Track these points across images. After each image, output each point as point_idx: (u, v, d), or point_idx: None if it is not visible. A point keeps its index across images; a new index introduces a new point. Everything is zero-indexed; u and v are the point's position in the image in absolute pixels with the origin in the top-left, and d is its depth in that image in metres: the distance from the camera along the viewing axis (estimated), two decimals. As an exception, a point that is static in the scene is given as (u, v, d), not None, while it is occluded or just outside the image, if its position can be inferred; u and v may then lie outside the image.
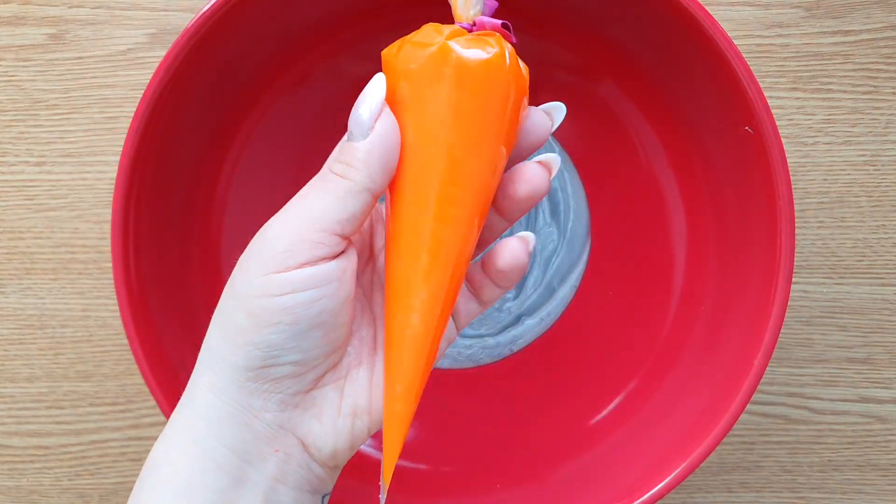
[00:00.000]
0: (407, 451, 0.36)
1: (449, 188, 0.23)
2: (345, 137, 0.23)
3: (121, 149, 0.29)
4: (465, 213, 0.23)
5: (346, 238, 0.23)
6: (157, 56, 0.38)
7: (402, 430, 0.25)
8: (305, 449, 0.24)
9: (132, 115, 0.29)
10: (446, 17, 0.35)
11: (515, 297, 0.39)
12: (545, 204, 0.38)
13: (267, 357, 0.23)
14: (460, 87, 0.23)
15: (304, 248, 0.22)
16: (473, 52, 0.23)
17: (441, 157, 0.23)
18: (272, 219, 0.23)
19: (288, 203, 0.24)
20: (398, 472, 0.35)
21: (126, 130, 0.29)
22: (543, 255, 0.38)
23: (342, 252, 0.23)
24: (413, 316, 0.24)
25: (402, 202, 0.24)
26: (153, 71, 0.29)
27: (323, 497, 0.26)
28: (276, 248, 0.22)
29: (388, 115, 0.23)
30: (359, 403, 0.25)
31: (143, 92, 0.29)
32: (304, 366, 0.23)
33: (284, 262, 0.22)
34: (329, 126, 0.38)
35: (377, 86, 0.23)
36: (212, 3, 0.29)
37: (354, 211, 0.23)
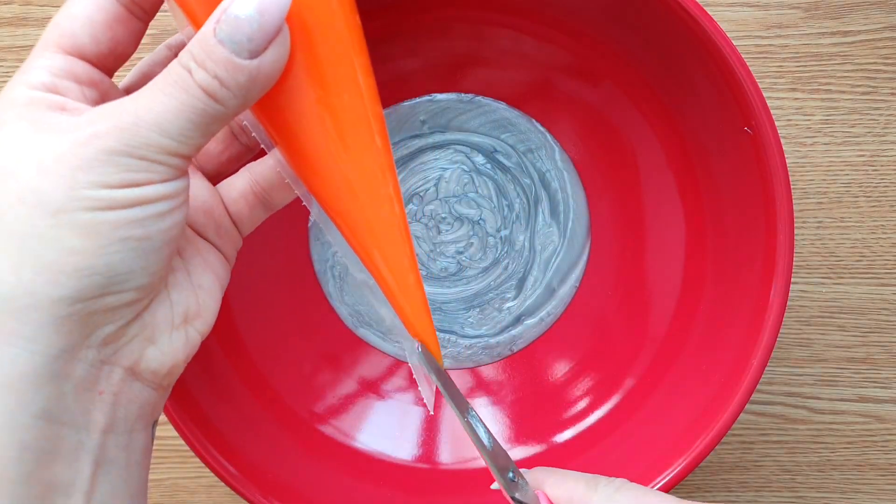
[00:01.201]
0: (407, 451, 0.36)
1: (364, 61, 0.21)
2: (208, 30, 0.19)
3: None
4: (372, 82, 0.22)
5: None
6: (158, 57, 0.38)
7: (423, 299, 0.23)
8: (136, 377, 0.21)
9: (133, 115, 0.29)
10: (447, 16, 0.36)
11: (515, 298, 0.39)
12: (545, 204, 0.38)
13: (108, 284, 0.19)
14: None
15: (156, 165, 0.19)
16: None
17: (350, 38, 0.21)
18: (106, 110, 0.19)
19: (133, 96, 0.19)
20: (398, 472, 0.35)
21: (127, 131, 0.29)
22: (543, 256, 0.38)
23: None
24: (394, 206, 0.22)
25: (312, 101, 0.20)
26: (154, 72, 0.29)
27: (153, 425, 0.23)
28: (116, 158, 0.18)
29: (286, 36, 0.19)
30: (189, 307, 0.22)
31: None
32: (148, 290, 0.20)
33: (128, 173, 0.19)
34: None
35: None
36: (213, 4, 0.29)
37: (210, 137, 0.20)
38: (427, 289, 0.39)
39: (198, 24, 0.20)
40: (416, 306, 0.24)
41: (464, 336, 0.39)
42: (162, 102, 0.19)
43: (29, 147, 0.19)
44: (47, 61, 0.20)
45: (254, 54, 0.18)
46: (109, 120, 0.19)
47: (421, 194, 0.38)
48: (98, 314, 0.19)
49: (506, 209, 0.38)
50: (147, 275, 0.20)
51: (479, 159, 0.38)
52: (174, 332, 0.22)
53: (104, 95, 0.22)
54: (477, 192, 0.38)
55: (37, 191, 0.18)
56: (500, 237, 0.39)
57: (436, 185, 0.39)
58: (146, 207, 0.19)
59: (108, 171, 0.18)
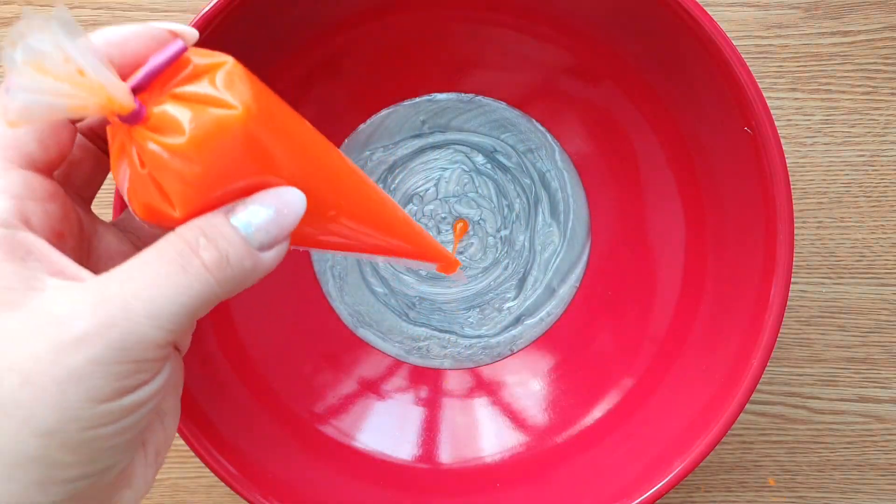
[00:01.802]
0: (407, 451, 0.36)
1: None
2: (219, 214, 0.18)
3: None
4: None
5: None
6: (158, 57, 0.38)
7: (436, 248, 0.25)
8: None
9: (133, 115, 0.29)
10: (447, 17, 0.36)
11: (515, 298, 0.39)
12: (545, 204, 0.38)
13: (98, 477, 0.17)
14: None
15: (148, 363, 0.17)
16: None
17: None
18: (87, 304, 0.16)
19: (119, 275, 0.17)
20: (398, 472, 0.35)
21: (127, 131, 0.29)
22: (544, 256, 0.38)
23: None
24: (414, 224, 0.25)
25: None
26: (154, 72, 0.29)
27: None
28: (108, 367, 0.16)
29: (289, 240, 0.19)
30: (159, 442, 0.21)
31: (144, 92, 0.29)
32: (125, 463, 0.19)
33: (121, 381, 0.16)
34: (332, 125, 0.38)
35: (297, 199, 0.18)
36: (213, 3, 0.29)
37: (197, 317, 0.18)
38: (426, 289, 0.39)
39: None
40: (436, 254, 0.26)
41: (464, 336, 0.39)
42: (157, 285, 0.17)
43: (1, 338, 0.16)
44: (1, 179, 0.17)
45: (262, 248, 0.18)
46: (95, 313, 0.16)
47: (421, 194, 0.38)
48: (85, 498, 0.18)
49: (506, 209, 0.38)
50: (127, 458, 0.19)
51: (480, 159, 0.38)
52: (148, 469, 0.20)
53: (65, 213, 0.19)
54: (477, 191, 0.38)
55: (22, 406, 0.16)
56: (500, 237, 0.39)
57: (436, 184, 0.39)
58: (141, 410, 0.17)
59: (99, 384, 0.16)
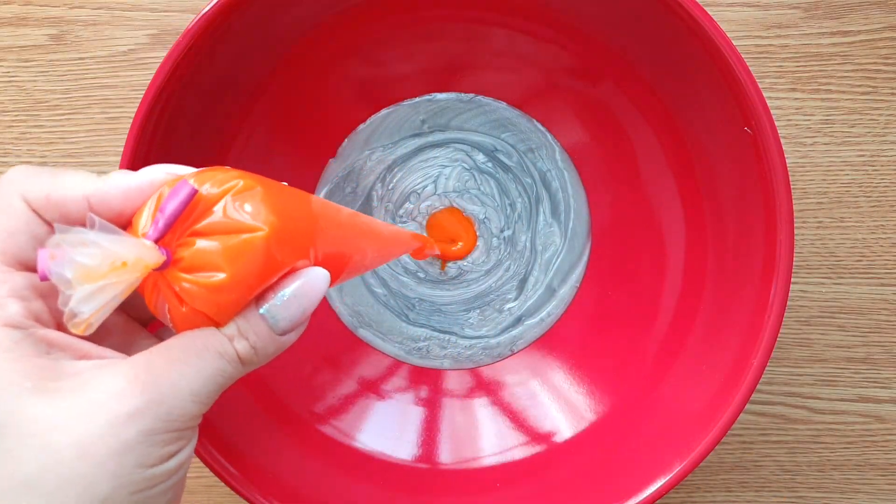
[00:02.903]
0: (407, 451, 0.36)
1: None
2: (253, 308, 0.20)
3: (122, 149, 0.29)
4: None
5: None
6: (158, 57, 0.38)
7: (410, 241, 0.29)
8: None
9: (133, 115, 0.29)
10: (447, 16, 0.36)
11: (516, 298, 0.39)
12: (546, 204, 0.38)
13: None
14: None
15: (187, 431, 0.19)
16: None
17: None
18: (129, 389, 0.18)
19: (161, 353, 0.19)
20: (398, 472, 0.35)
21: (127, 131, 0.29)
22: (545, 257, 0.38)
23: None
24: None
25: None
26: (154, 72, 0.29)
27: None
28: (156, 437, 0.18)
29: (307, 322, 0.21)
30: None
31: (144, 93, 0.29)
32: None
33: (166, 448, 0.19)
34: (332, 126, 0.38)
35: (321, 282, 0.21)
36: (213, 3, 0.29)
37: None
38: (426, 290, 0.39)
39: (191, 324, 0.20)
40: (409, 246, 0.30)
41: (464, 337, 0.39)
42: (197, 368, 0.19)
43: (52, 421, 0.18)
44: (4, 284, 0.19)
45: (284, 332, 0.21)
46: (145, 392, 0.18)
47: (419, 192, 0.38)
48: None
49: (508, 208, 0.38)
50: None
51: (480, 157, 0.38)
52: None
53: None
54: (479, 189, 0.38)
55: (81, 476, 0.18)
56: (504, 238, 0.38)
57: (434, 181, 0.38)
58: (180, 472, 0.19)
59: (148, 452, 0.18)
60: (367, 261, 0.25)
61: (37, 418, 0.18)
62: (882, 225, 0.38)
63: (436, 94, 0.38)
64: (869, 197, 0.38)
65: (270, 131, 0.36)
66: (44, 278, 0.17)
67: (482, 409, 0.37)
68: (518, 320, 0.39)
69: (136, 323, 0.23)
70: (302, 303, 0.20)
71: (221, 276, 0.18)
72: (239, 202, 0.18)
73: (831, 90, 0.38)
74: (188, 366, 0.19)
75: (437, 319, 0.39)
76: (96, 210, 0.19)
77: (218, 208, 0.18)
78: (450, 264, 0.39)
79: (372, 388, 0.38)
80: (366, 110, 0.38)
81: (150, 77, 0.29)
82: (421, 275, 0.39)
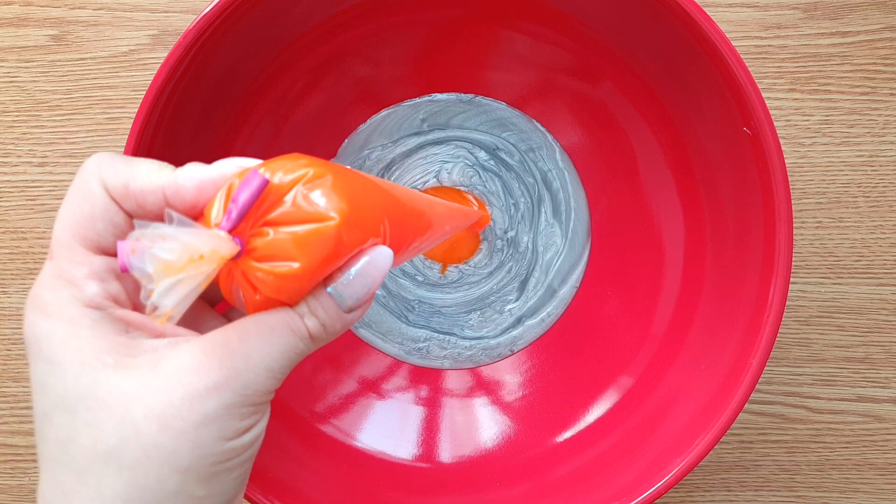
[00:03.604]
0: (407, 451, 0.36)
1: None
2: (322, 287, 0.20)
3: (123, 150, 0.29)
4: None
5: None
6: (158, 57, 0.38)
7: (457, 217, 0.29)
8: None
9: (134, 115, 0.29)
10: (446, 17, 0.36)
11: (517, 299, 0.39)
12: (548, 204, 0.38)
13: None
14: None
15: (262, 406, 0.20)
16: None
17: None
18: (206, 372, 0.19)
19: (242, 332, 0.20)
20: (398, 472, 0.35)
21: (128, 131, 0.29)
22: (546, 257, 0.38)
23: None
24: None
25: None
26: (155, 72, 0.29)
27: None
28: (235, 410, 0.19)
29: (371, 300, 0.22)
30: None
31: (144, 93, 0.29)
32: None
33: (243, 421, 0.19)
34: (332, 126, 0.38)
35: (385, 261, 0.21)
36: (213, 4, 0.29)
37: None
38: (425, 293, 0.39)
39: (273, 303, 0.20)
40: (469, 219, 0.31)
41: (464, 337, 0.39)
42: (271, 344, 0.19)
43: (131, 394, 0.18)
44: (85, 266, 0.20)
45: (351, 310, 0.21)
46: (223, 367, 0.19)
47: (418, 187, 0.38)
48: None
49: (512, 208, 0.38)
50: (245, 484, 0.21)
51: (483, 155, 0.38)
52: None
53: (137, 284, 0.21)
54: (485, 186, 0.38)
55: (162, 448, 0.18)
56: (507, 239, 0.38)
57: (436, 175, 0.38)
58: (255, 445, 0.20)
59: (227, 425, 0.19)
60: (431, 238, 0.26)
61: (117, 392, 0.18)
62: (881, 225, 0.38)
63: (436, 94, 0.38)
64: (868, 197, 0.38)
65: (271, 132, 0.36)
66: (124, 270, 0.17)
67: (482, 408, 0.37)
68: (518, 321, 0.39)
69: (205, 303, 0.23)
70: (366, 282, 0.20)
71: (295, 265, 0.18)
72: (310, 191, 0.19)
73: (830, 90, 0.38)
74: (263, 341, 0.19)
75: (436, 321, 0.39)
76: (170, 201, 0.20)
77: (289, 198, 0.19)
78: (450, 267, 0.39)
79: (372, 387, 0.38)
80: (365, 111, 0.38)
81: (151, 77, 0.29)
82: (419, 277, 0.39)
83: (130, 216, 0.20)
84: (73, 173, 0.38)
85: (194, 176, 0.20)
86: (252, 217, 0.19)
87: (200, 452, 0.19)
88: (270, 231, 0.18)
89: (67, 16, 0.38)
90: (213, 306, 0.24)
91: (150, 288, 0.17)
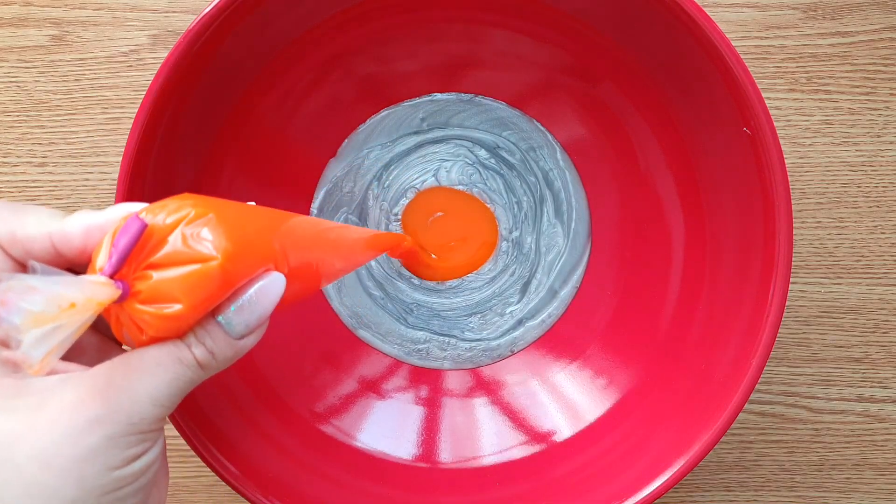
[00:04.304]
0: (407, 451, 0.36)
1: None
2: (212, 315, 0.20)
3: (123, 150, 0.29)
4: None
5: None
6: (159, 57, 0.38)
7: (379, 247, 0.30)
8: None
9: (134, 116, 0.29)
10: (446, 17, 0.36)
11: (518, 302, 0.39)
12: (549, 204, 0.38)
13: None
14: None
15: (151, 433, 0.20)
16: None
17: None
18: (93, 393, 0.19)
19: (126, 362, 0.20)
20: (398, 472, 0.35)
21: (128, 131, 0.29)
22: (548, 258, 0.38)
23: None
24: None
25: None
26: (155, 72, 0.29)
27: None
28: (119, 440, 0.19)
29: (265, 325, 0.22)
30: (158, 501, 0.23)
31: (145, 93, 0.29)
32: None
33: (130, 450, 0.19)
34: (332, 126, 0.38)
35: (276, 289, 0.21)
36: (214, 4, 0.29)
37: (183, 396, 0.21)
38: (423, 297, 0.39)
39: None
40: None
41: (464, 339, 0.39)
42: (156, 375, 0.20)
43: (13, 435, 0.18)
44: None
45: (242, 337, 0.21)
46: (106, 399, 0.19)
47: (417, 186, 0.38)
48: None
49: (515, 207, 0.38)
50: None
51: (483, 153, 0.38)
52: None
53: None
54: (485, 184, 0.38)
55: (45, 486, 0.18)
56: (512, 240, 0.38)
57: (435, 174, 0.38)
58: (148, 472, 0.20)
59: (112, 455, 0.19)
60: (337, 268, 0.26)
61: (3, 434, 0.18)
62: (881, 225, 0.38)
63: (435, 94, 0.38)
64: (868, 197, 0.38)
65: (271, 132, 0.36)
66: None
67: (482, 408, 0.37)
68: (519, 322, 0.39)
69: (111, 342, 0.23)
70: (256, 309, 0.21)
71: (178, 307, 0.19)
72: (192, 231, 0.19)
73: (830, 91, 0.38)
74: (147, 373, 0.19)
75: (436, 323, 0.39)
76: (59, 248, 0.20)
77: (172, 238, 0.19)
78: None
79: (372, 387, 0.38)
80: (365, 111, 0.38)
81: (152, 77, 0.29)
82: (415, 281, 0.39)
83: (20, 264, 0.20)
84: (73, 173, 0.38)
85: (81, 222, 0.20)
86: (135, 260, 0.19)
87: (86, 485, 0.18)
88: (154, 274, 0.19)
89: (67, 16, 0.38)
90: (120, 345, 0.24)
91: (18, 339, 0.17)
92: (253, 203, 0.22)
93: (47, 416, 0.19)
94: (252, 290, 0.20)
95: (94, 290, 0.18)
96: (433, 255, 0.38)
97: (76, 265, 0.21)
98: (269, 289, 0.21)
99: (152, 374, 0.19)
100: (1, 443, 0.18)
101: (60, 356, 0.18)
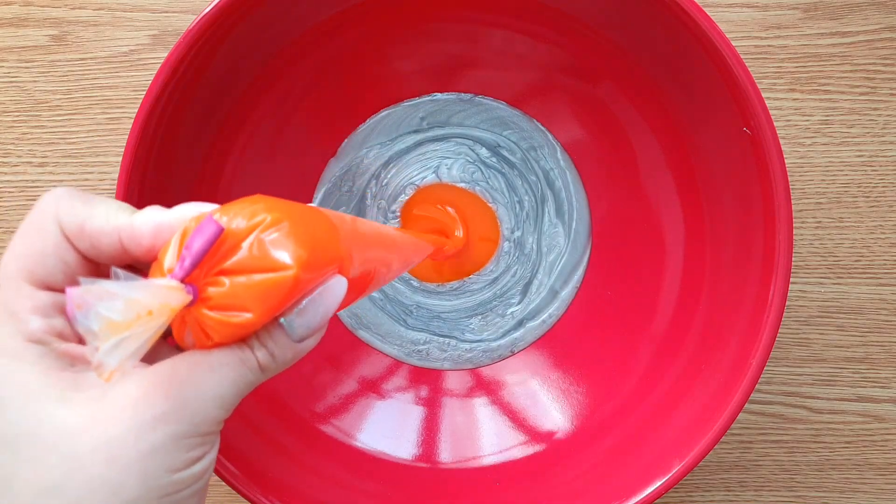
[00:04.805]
0: (407, 451, 0.36)
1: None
2: (279, 321, 0.20)
3: (123, 150, 0.29)
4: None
5: None
6: (159, 57, 0.38)
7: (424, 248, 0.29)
8: None
9: (134, 116, 0.29)
10: (445, 17, 0.36)
11: (519, 303, 0.39)
12: (551, 203, 0.38)
13: None
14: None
15: (211, 436, 0.20)
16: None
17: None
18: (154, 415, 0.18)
19: (192, 364, 0.19)
20: (398, 472, 0.35)
21: (128, 131, 0.29)
22: (549, 259, 0.38)
23: None
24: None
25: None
26: (155, 72, 0.29)
27: None
28: (183, 441, 0.19)
29: (325, 328, 0.21)
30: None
31: (144, 93, 0.29)
32: None
33: (192, 452, 0.19)
34: (332, 126, 0.38)
35: (339, 291, 0.21)
36: (214, 4, 0.29)
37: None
38: (423, 299, 0.39)
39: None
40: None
41: (464, 341, 0.39)
42: (220, 374, 0.19)
43: (76, 427, 0.18)
44: (28, 300, 0.19)
45: (302, 339, 0.21)
46: (170, 396, 0.18)
47: (416, 183, 0.38)
48: None
49: (517, 206, 0.38)
50: None
51: (484, 152, 0.38)
52: None
53: None
54: (487, 182, 0.38)
55: (108, 481, 0.18)
56: (514, 240, 0.38)
57: (435, 171, 0.38)
58: (204, 477, 0.20)
59: (175, 456, 0.19)
60: (391, 272, 0.26)
61: (61, 425, 0.18)
62: (881, 225, 0.38)
63: (435, 93, 0.38)
64: (868, 197, 0.38)
65: (271, 132, 0.36)
66: (71, 320, 0.17)
67: (482, 408, 0.37)
68: (520, 323, 0.39)
69: (160, 339, 0.23)
70: (318, 311, 0.20)
71: (248, 315, 0.18)
72: (267, 238, 0.18)
73: (830, 91, 0.38)
74: (212, 372, 0.19)
75: (436, 325, 0.39)
76: (126, 244, 0.20)
77: (246, 244, 0.18)
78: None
79: (372, 387, 0.38)
80: (365, 111, 0.38)
81: (152, 77, 0.29)
82: (415, 283, 0.39)
83: (84, 256, 0.20)
84: (73, 173, 0.38)
85: (151, 220, 0.20)
86: (207, 264, 0.18)
87: (148, 484, 0.18)
88: (226, 280, 0.18)
89: (67, 16, 0.38)
90: (165, 339, 0.23)
91: (94, 345, 0.17)
92: (314, 204, 0.22)
93: (110, 409, 0.18)
94: (316, 293, 0.20)
95: (169, 296, 0.17)
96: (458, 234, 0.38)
97: (140, 262, 0.21)
98: (332, 292, 0.20)
99: (217, 373, 0.19)
100: (63, 434, 0.18)
101: (135, 363, 0.18)
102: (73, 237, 0.20)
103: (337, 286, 0.21)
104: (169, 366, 0.19)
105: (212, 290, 0.18)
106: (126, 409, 0.18)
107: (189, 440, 0.19)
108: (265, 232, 0.18)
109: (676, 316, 0.35)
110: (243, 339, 0.20)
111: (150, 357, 0.21)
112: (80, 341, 0.20)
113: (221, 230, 0.18)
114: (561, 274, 0.38)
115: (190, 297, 0.18)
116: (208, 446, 0.20)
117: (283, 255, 0.18)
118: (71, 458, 0.18)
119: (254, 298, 0.18)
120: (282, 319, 0.20)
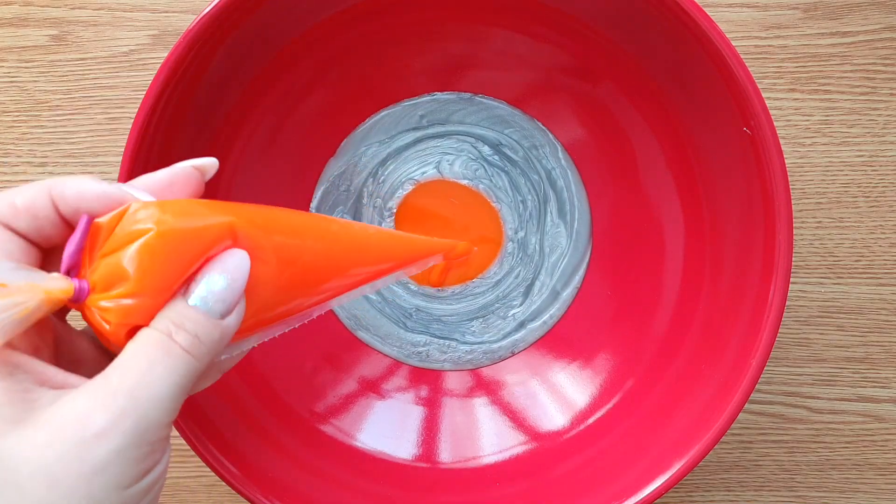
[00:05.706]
0: (407, 451, 0.36)
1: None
2: (179, 300, 0.20)
3: (123, 150, 0.29)
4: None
5: None
6: (159, 57, 0.38)
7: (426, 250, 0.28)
8: None
9: (134, 116, 0.29)
10: (445, 17, 0.36)
11: (521, 304, 0.39)
12: (553, 203, 0.38)
13: None
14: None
15: (159, 443, 0.19)
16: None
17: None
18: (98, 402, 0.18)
19: (117, 370, 0.19)
20: (398, 472, 0.35)
21: (128, 131, 0.29)
22: (551, 259, 0.38)
23: None
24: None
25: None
26: (155, 72, 0.29)
27: None
28: (128, 453, 0.18)
29: (244, 300, 0.21)
30: None
31: (145, 93, 0.29)
32: None
33: (140, 465, 0.18)
34: (331, 126, 0.38)
35: (240, 262, 0.20)
36: (214, 4, 0.29)
37: (188, 393, 0.20)
38: (422, 303, 0.39)
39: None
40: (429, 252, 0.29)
41: (464, 343, 0.38)
42: (150, 372, 0.19)
43: (18, 455, 0.17)
44: None
45: (223, 315, 0.20)
46: (108, 409, 0.18)
47: (416, 178, 0.38)
48: None
49: (520, 206, 0.38)
50: None
51: (486, 150, 0.38)
52: None
53: (41, 328, 0.20)
54: (491, 180, 0.38)
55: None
56: (518, 241, 0.38)
57: (437, 167, 0.38)
58: (155, 488, 0.19)
59: (122, 471, 0.18)
60: (366, 272, 0.25)
61: (6, 455, 0.17)
62: (881, 225, 0.38)
63: (435, 93, 0.38)
64: (868, 197, 0.38)
65: (270, 132, 0.36)
66: None
67: (482, 408, 0.37)
68: (521, 325, 0.39)
69: (107, 354, 0.23)
70: (223, 282, 0.20)
71: (127, 283, 0.19)
72: (134, 214, 0.20)
73: (830, 90, 0.38)
74: (143, 374, 0.18)
75: (436, 327, 0.39)
76: (54, 197, 0.20)
77: (118, 228, 0.19)
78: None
79: (372, 387, 0.38)
80: (365, 111, 0.38)
81: (152, 78, 0.29)
82: (413, 287, 0.38)
83: (25, 237, 0.20)
84: (73, 173, 0.38)
85: (82, 182, 0.20)
86: (90, 257, 0.20)
87: None
88: (102, 261, 0.19)
89: (67, 16, 0.38)
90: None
91: None
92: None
93: (50, 431, 0.17)
94: (216, 264, 0.20)
95: (44, 279, 0.18)
96: (475, 248, 0.37)
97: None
98: (230, 262, 0.20)
99: (148, 374, 0.18)
100: (9, 465, 0.17)
101: (7, 339, 0.18)
102: (10, 210, 0.20)
103: (232, 257, 0.20)
104: (101, 378, 0.19)
105: (94, 276, 0.19)
106: (65, 429, 0.18)
107: (135, 452, 0.18)
108: (135, 212, 0.20)
109: (676, 316, 0.35)
110: (143, 313, 0.19)
111: (93, 371, 0.21)
112: (30, 352, 0.20)
113: (90, 220, 0.19)
114: (563, 275, 0.38)
115: (73, 286, 0.19)
116: (158, 454, 0.19)
117: (144, 221, 0.19)
118: (10, 487, 0.17)
119: (128, 265, 0.19)
120: (190, 300, 0.20)
